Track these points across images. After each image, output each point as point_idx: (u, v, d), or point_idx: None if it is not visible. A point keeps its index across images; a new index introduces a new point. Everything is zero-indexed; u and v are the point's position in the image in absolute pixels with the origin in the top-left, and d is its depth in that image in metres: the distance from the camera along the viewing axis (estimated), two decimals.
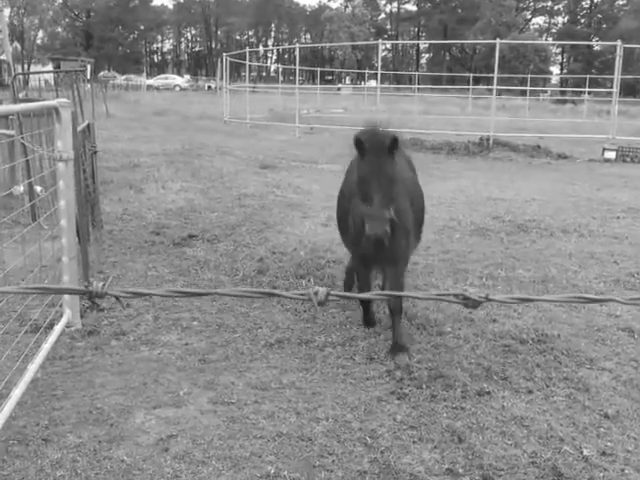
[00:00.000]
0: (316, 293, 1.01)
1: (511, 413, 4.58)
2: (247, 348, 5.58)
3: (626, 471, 3.98)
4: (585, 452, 4.09)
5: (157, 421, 4.44)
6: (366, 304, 6.01)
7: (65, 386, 4.88)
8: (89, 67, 36.20)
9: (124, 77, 66.59)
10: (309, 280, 7.06)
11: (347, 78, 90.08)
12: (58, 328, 5.61)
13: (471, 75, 53.21)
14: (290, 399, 4.72)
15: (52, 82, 31.34)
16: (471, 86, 46.69)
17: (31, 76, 39.15)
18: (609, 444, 4.19)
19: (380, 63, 28.32)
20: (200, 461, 3.99)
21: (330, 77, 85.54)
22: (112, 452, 4.06)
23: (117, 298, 1.10)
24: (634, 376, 5.25)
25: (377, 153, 4.67)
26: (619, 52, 22.69)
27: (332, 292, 1.01)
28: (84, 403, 4.64)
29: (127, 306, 6.33)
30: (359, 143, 4.76)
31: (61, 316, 5.82)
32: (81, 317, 5.99)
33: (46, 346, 5.22)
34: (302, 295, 1.02)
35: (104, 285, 0.99)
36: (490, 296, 1.43)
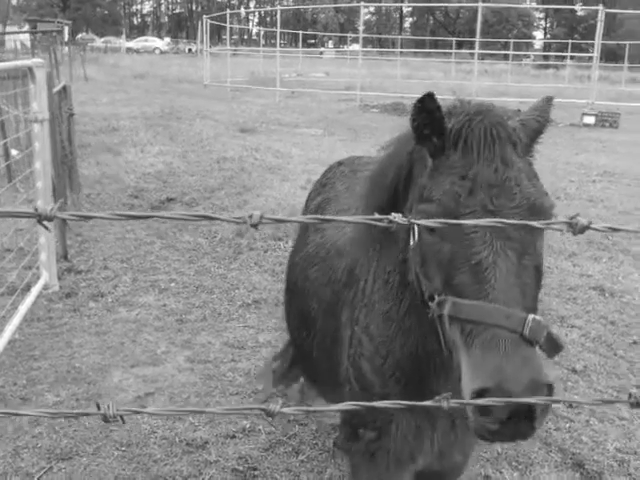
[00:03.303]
0: (250, 216, 1.05)
1: None
2: (224, 308, 5.64)
3: (590, 422, 4.12)
4: (553, 405, 4.21)
5: (135, 379, 4.51)
6: None
7: (43, 347, 4.91)
8: (66, 29, 35.53)
9: (103, 40, 65.42)
10: (287, 242, 7.10)
11: (330, 42, 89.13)
12: (35, 290, 5.63)
13: (454, 39, 52.90)
14: (266, 357, 4.80)
15: (28, 44, 30.72)
16: (454, 50, 46.46)
17: (6, 38, 38.35)
18: (576, 397, 4.32)
19: (363, 27, 28.04)
20: (176, 417, 4.06)
21: (312, 41, 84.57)
22: (90, 410, 4.11)
23: (64, 220, 1.13)
24: (602, 333, 5.39)
25: (499, 156, 1.78)
26: (600, 17, 22.63)
27: (266, 215, 1.05)
28: (62, 363, 4.68)
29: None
30: (438, 125, 1.82)
31: (38, 278, 5.83)
32: (58, 279, 6.01)
33: (23, 308, 5.24)
34: (238, 219, 1.06)
35: (52, 209, 1.02)
36: None
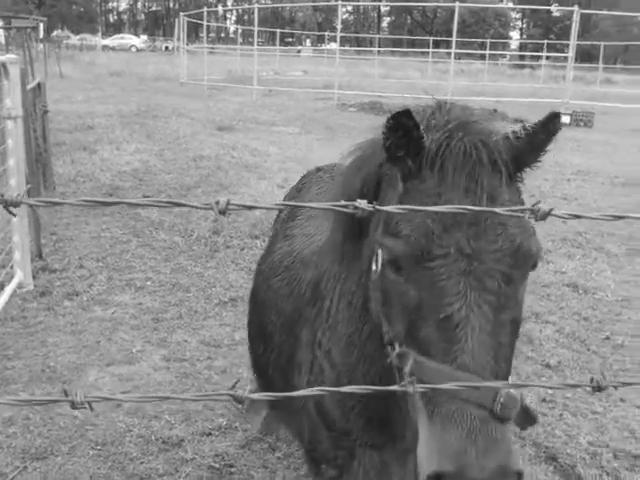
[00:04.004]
0: (217, 202, 1.06)
1: None
2: (201, 307, 5.63)
3: (564, 416, 4.18)
4: (526, 400, 4.26)
5: (110, 378, 4.48)
6: None
7: (17, 346, 4.87)
8: (41, 26, 35.12)
9: (78, 37, 64.77)
10: (263, 240, 7.10)
11: (307, 40, 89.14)
12: (9, 289, 5.57)
13: (431, 39, 53.14)
14: (243, 355, 4.79)
15: (2, 40, 30.32)
16: (431, 49, 46.68)
17: None
18: (549, 391, 4.38)
19: (340, 25, 28.07)
20: (152, 416, 4.05)
21: (290, 39, 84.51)
22: (65, 409, 4.09)
23: (31, 206, 1.13)
24: (576, 329, 5.47)
25: (481, 186, 1.53)
26: (575, 18, 22.91)
27: (233, 202, 1.06)
28: (36, 362, 4.64)
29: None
30: (414, 146, 1.56)
31: (12, 277, 5.77)
32: (33, 278, 5.95)
33: None
34: (206, 205, 1.07)
35: (19, 195, 1.02)
36: None
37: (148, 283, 6.10)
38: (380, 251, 1.56)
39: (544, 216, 1.24)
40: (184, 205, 1.09)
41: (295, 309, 2.33)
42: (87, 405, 1.19)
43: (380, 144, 1.66)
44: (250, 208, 1.15)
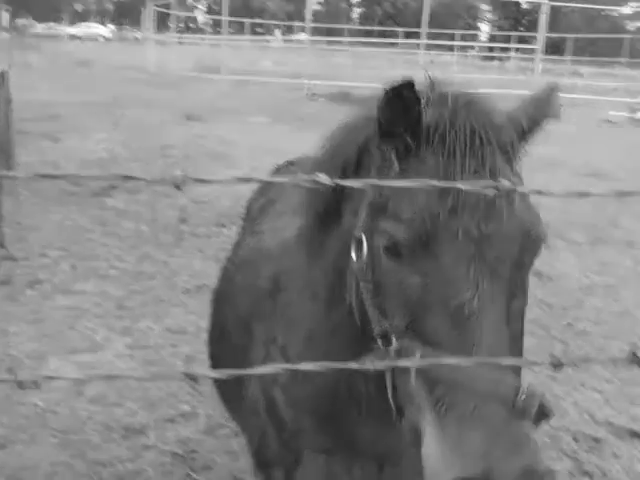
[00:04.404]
0: (175, 176, 1.05)
1: None
2: (166, 294, 5.59)
3: None
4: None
5: (72, 366, 4.43)
6: None
7: None
8: (5, 14, 34.47)
9: (44, 26, 63.68)
10: (230, 228, 7.06)
11: (277, 31, 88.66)
12: None
13: (401, 30, 53.22)
14: None
15: None
16: (400, 40, 46.75)
17: None
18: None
19: (311, 17, 27.98)
20: (115, 403, 4.02)
21: (260, 29, 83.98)
22: (26, 397, 4.03)
23: None
24: (539, 315, 5.54)
25: (489, 168, 1.42)
26: (544, 10, 23.13)
27: (190, 176, 1.04)
28: None
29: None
30: (415, 121, 1.42)
31: None
32: None
33: None
34: (162, 179, 1.05)
35: None
36: None
37: (112, 271, 6.04)
38: (367, 238, 1.42)
39: (507, 193, 1.23)
40: (139, 179, 1.07)
41: (252, 303, 2.17)
42: (34, 385, 1.18)
43: (354, 127, 1.58)
44: (207, 182, 1.13)
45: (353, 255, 1.47)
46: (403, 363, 1.30)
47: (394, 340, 1.36)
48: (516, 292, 1.35)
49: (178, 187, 1.06)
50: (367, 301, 1.46)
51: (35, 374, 1.16)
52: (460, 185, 1.22)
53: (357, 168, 1.58)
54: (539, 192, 1.35)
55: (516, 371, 1.28)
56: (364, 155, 1.56)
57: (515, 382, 1.22)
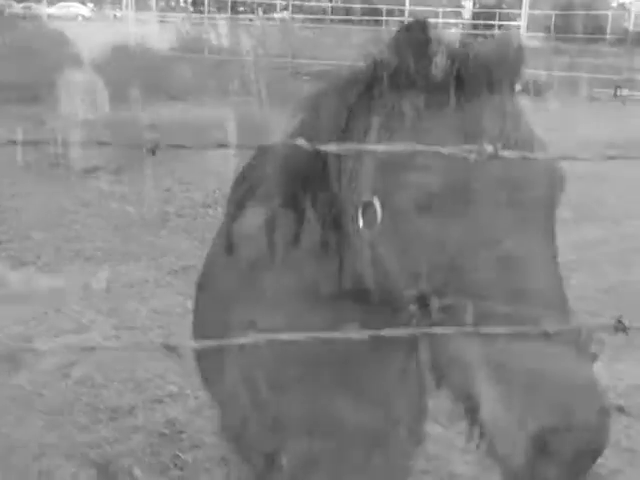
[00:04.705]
0: (148, 140, 1.03)
1: None
2: (152, 276, 5.56)
3: None
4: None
5: (59, 348, 4.40)
6: None
7: None
8: None
9: (22, 5, 62.57)
10: (216, 209, 7.03)
11: (259, 9, 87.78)
12: None
13: (385, 7, 52.90)
14: None
15: None
16: (384, 18, 46.45)
17: None
18: None
19: None
20: (102, 384, 4.01)
21: (242, 8, 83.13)
22: (12, 379, 4.02)
23: None
24: None
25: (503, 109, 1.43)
26: None
27: (166, 143, 1.02)
28: None
29: None
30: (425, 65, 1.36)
31: None
32: None
33: None
34: (139, 144, 1.03)
35: None
36: None
37: (98, 253, 6.00)
38: (383, 199, 1.34)
39: (490, 157, 1.19)
40: (109, 144, 1.05)
41: (231, 287, 2.03)
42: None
43: (341, 89, 1.52)
44: (183, 147, 1.10)
45: (360, 222, 1.39)
46: (444, 330, 1.19)
47: (434, 300, 1.26)
48: (554, 232, 1.33)
49: (152, 152, 1.03)
50: (391, 267, 1.36)
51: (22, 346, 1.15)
52: (442, 150, 1.15)
53: (345, 131, 1.48)
54: (525, 157, 1.33)
55: (569, 313, 1.22)
56: (353, 118, 1.48)
57: (574, 324, 1.18)
